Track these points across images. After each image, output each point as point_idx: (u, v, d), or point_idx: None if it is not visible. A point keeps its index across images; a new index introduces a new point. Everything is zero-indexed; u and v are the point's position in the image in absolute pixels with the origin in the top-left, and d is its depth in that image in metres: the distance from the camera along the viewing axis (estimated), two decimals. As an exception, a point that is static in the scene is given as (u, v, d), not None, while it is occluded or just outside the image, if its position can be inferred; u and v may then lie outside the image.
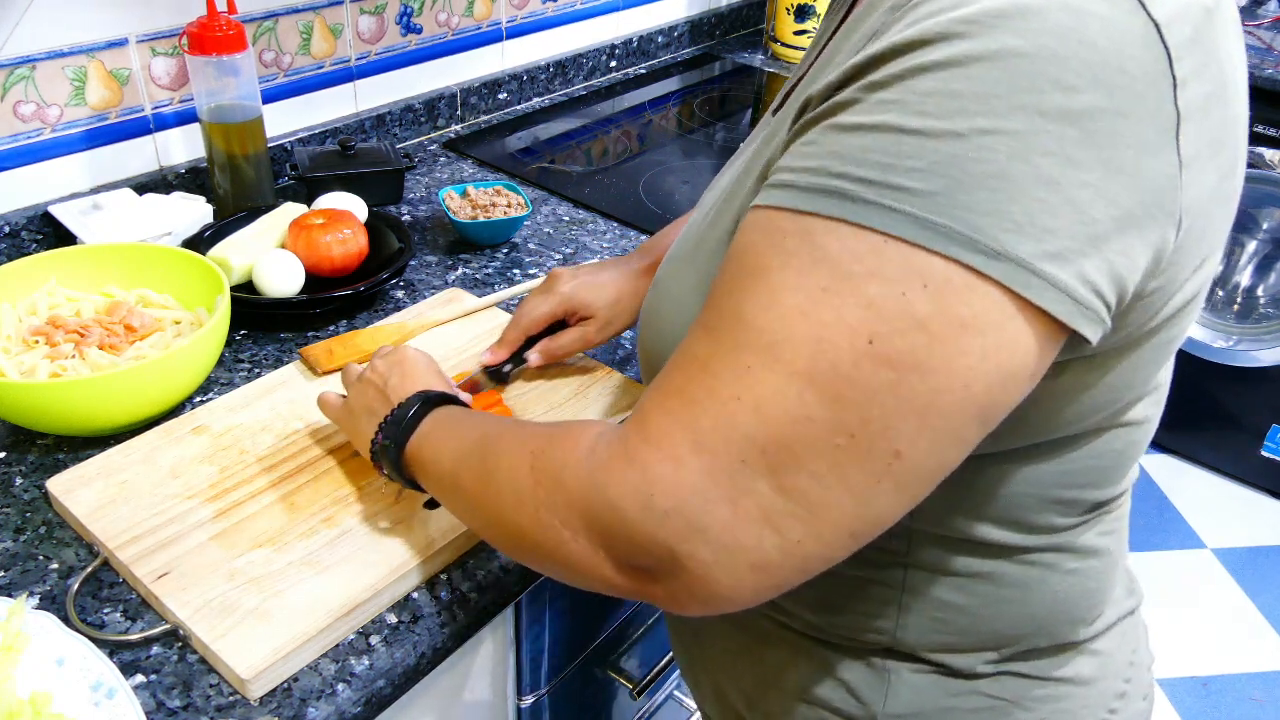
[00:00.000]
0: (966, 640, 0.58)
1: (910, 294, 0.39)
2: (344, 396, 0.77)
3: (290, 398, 0.86)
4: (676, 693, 1.12)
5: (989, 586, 0.56)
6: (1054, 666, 0.60)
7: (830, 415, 0.41)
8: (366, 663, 0.66)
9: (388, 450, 0.66)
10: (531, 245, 1.17)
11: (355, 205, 1.08)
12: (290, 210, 1.06)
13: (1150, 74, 0.39)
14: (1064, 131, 0.38)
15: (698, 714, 1.08)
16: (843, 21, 0.59)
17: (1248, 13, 2.22)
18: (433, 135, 1.46)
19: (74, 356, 0.83)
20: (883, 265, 0.40)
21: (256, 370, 0.92)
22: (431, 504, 0.74)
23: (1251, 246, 2.19)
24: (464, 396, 0.71)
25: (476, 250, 1.15)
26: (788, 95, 0.60)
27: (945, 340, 0.39)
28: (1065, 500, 0.55)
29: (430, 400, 0.67)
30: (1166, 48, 0.40)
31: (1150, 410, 0.55)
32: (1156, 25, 0.40)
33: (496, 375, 0.88)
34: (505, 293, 1.03)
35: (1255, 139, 1.94)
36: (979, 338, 0.40)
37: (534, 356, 0.87)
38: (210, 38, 1.03)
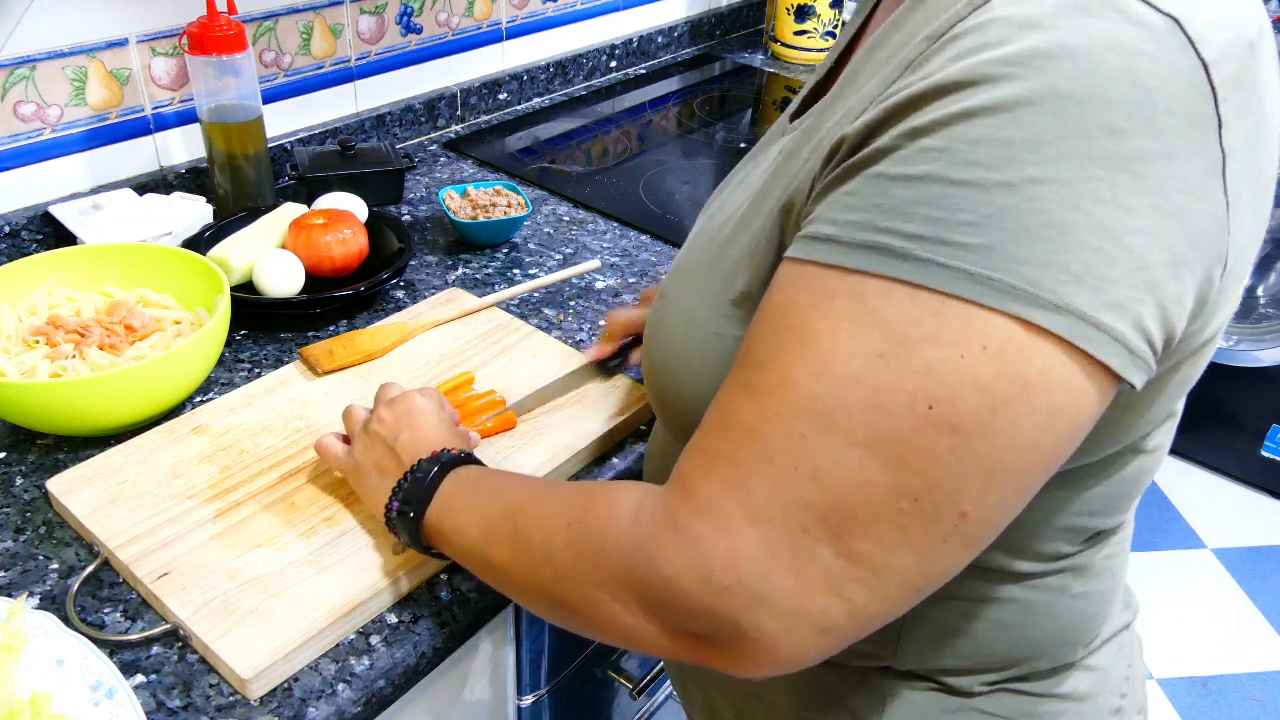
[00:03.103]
0: (966, 663, 0.58)
1: (970, 356, 0.38)
2: (345, 439, 0.74)
3: (290, 398, 0.86)
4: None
5: (994, 611, 0.56)
6: (1052, 685, 0.60)
7: (893, 481, 0.40)
8: (366, 663, 0.66)
9: (405, 519, 0.63)
10: (531, 245, 1.17)
11: (355, 205, 1.08)
12: (290, 210, 1.06)
13: (1196, 115, 0.39)
14: (1116, 177, 0.38)
15: (698, 714, 1.08)
16: (865, 28, 0.59)
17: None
18: (433, 135, 1.46)
19: (74, 356, 0.83)
20: (940, 328, 0.39)
21: (256, 370, 0.92)
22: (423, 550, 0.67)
23: (1251, 246, 2.19)
24: (474, 437, 0.69)
25: (476, 250, 1.15)
26: (805, 104, 0.58)
27: (1010, 402, 0.39)
28: (1075, 528, 0.54)
29: (447, 464, 0.63)
30: (1214, 87, 0.39)
31: (1163, 438, 0.55)
32: (1205, 65, 0.39)
33: (603, 370, 0.92)
34: (505, 293, 1.03)
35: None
36: (1044, 395, 0.39)
37: (636, 355, 0.90)
38: (210, 38, 1.03)
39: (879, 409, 0.39)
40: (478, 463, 0.65)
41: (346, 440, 0.74)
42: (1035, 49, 0.38)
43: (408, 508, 0.63)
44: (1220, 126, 0.39)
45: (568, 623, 0.53)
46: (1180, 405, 0.55)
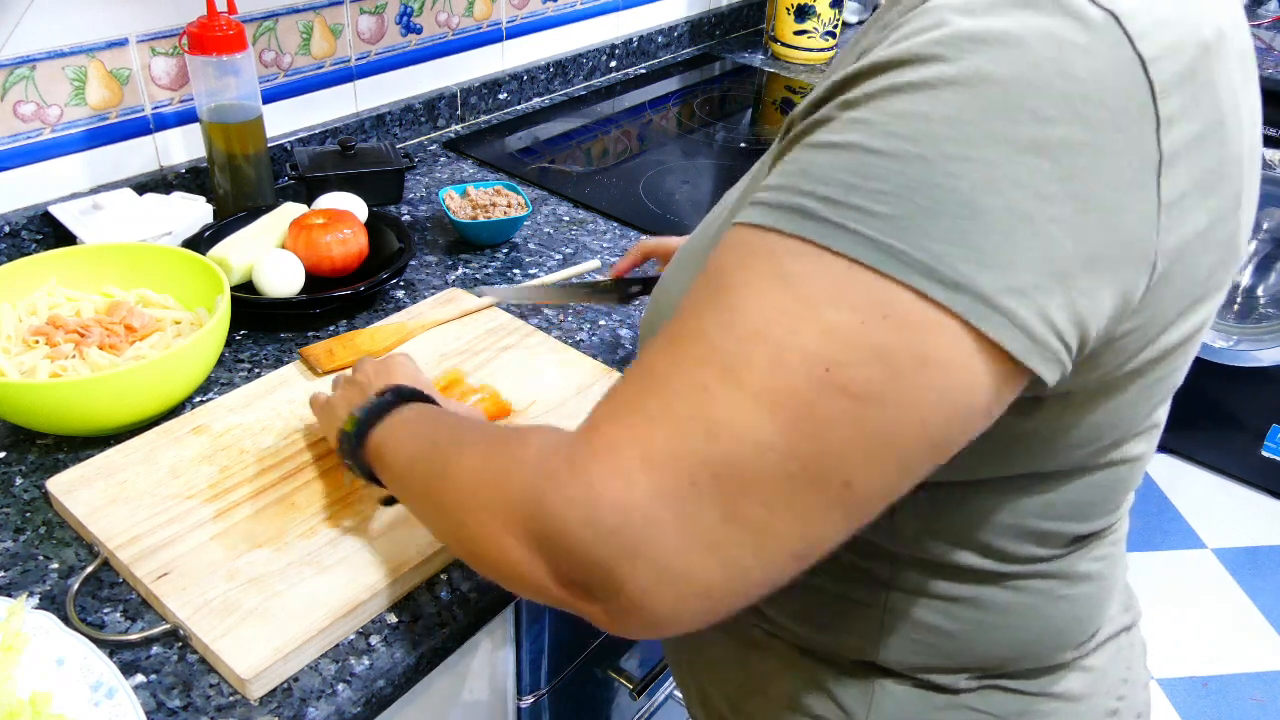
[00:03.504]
0: (950, 662, 0.58)
1: (870, 324, 0.38)
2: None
3: (290, 398, 0.86)
4: (676, 693, 1.12)
5: (973, 611, 0.56)
6: (1045, 684, 0.60)
7: (785, 442, 0.39)
8: (366, 663, 0.66)
9: (349, 439, 0.65)
10: (531, 245, 1.17)
11: (355, 205, 1.08)
12: (290, 210, 1.06)
13: (1131, 110, 0.38)
14: (1037, 164, 0.37)
15: (697, 714, 1.08)
16: None
17: (1248, 13, 2.22)
18: (433, 135, 1.46)
19: (74, 356, 0.83)
20: (842, 291, 0.39)
21: (256, 370, 0.92)
22: (389, 501, 0.74)
23: (1252, 246, 2.19)
24: (443, 400, 0.70)
25: (476, 250, 1.15)
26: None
27: (905, 375, 0.38)
28: (1045, 532, 0.54)
29: (402, 394, 0.65)
30: (1151, 84, 0.39)
31: (1142, 448, 0.54)
32: (1142, 60, 0.38)
33: (623, 292, 0.91)
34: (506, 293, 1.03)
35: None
36: (940, 374, 0.38)
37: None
38: (210, 38, 1.03)
39: (779, 365, 0.39)
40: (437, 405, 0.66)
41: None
42: (968, 33, 0.38)
43: (352, 429, 0.65)
44: (1159, 125, 0.39)
45: (468, 557, 0.52)
46: (1162, 415, 0.55)
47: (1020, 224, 0.37)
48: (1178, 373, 0.49)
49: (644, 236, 0.90)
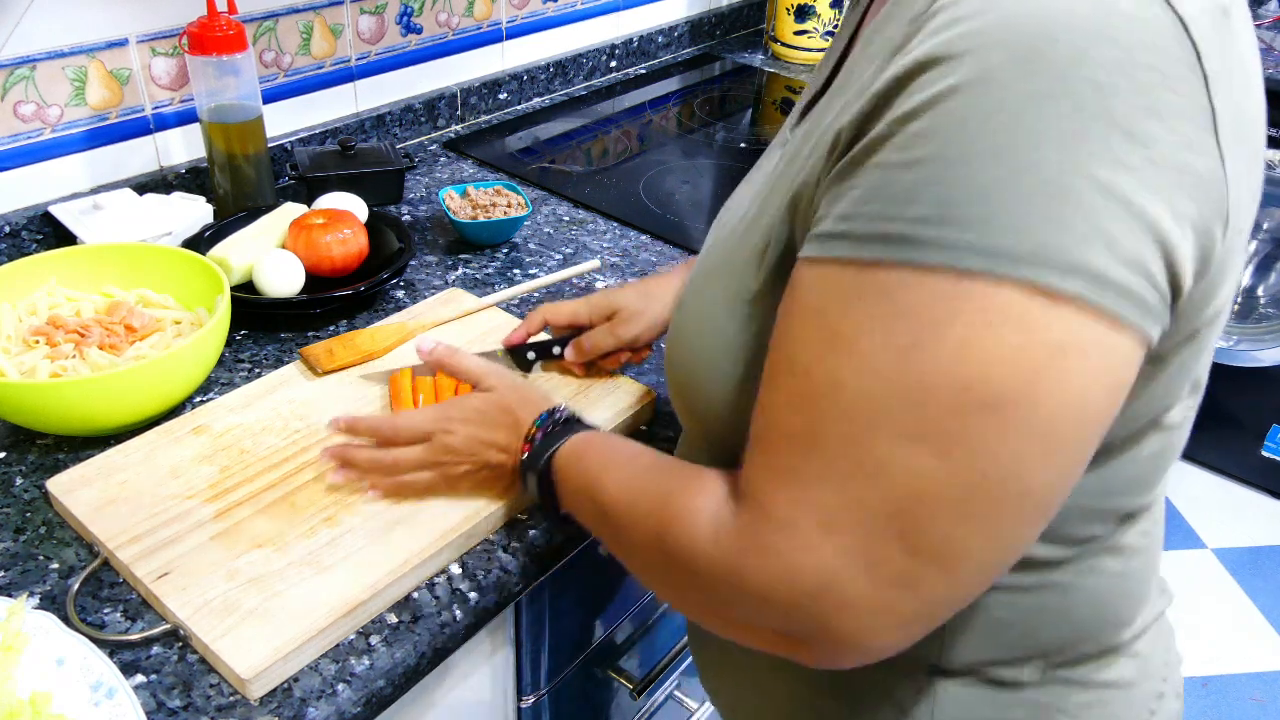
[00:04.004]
0: (1014, 653, 0.57)
1: (995, 329, 0.38)
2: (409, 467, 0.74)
3: (290, 398, 0.86)
4: (677, 693, 1.12)
5: (1035, 598, 0.56)
6: (1097, 671, 0.60)
7: (948, 470, 0.40)
8: (366, 663, 0.66)
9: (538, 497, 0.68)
10: (531, 245, 1.17)
11: (355, 205, 1.08)
12: (290, 210, 1.06)
13: (1181, 70, 0.39)
14: (1107, 135, 0.38)
15: (698, 714, 1.08)
16: (859, 28, 0.59)
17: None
18: (433, 135, 1.46)
19: (74, 356, 0.83)
20: (960, 306, 0.39)
21: (256, 370, 0.92)
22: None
23: (1252, 246, 2.19)
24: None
25: (476, 250, 1.15)
26: (808, 107, 0.59)
27: (1046, 369, 0.39)
28: (1105, 510, 0.54)
29: (550, 442, 0.67)
30: (1195, 43, 0.39)
31: (1186, 413, 0.55)
32: (1183, 21, 0.39)
33: (520, 361, 0.89)
34: (505, 293, 1.03)
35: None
36: (1079, 357, 0.39)
37: (566, 351, 0.88)
38: (210, 38, 1.03)
39: (923, 398, 0.40)
40: (575, 422, 0.69)
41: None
42: (1009, 16, 0.38)
43: (532, 478, 0.67)
44: (1207, 81, 0.39)
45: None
46: (1204, 377, 0.55)
47: (1109, 197, 0.38)
48: (1217, 336, 0.50)
49: (543, 303, 0.88)
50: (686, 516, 0.51)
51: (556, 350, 0.88)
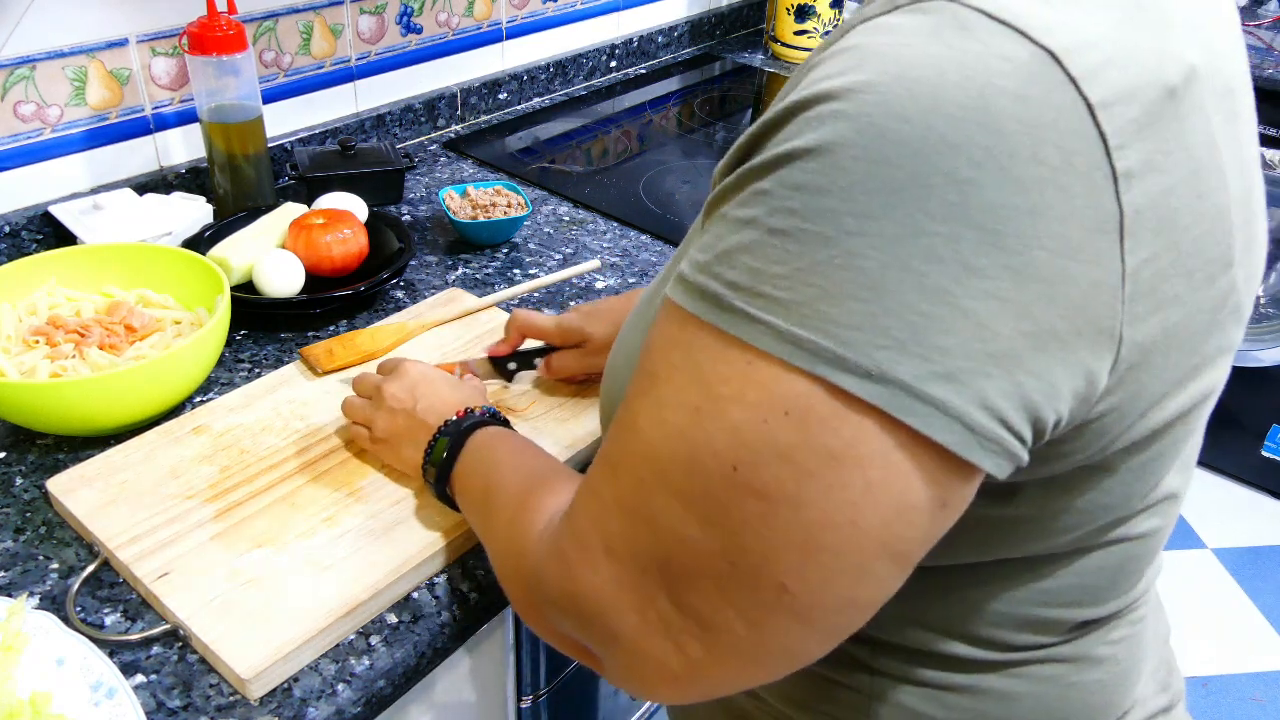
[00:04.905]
0: None
1: (772, 421, 0.35)
2: (359, 425, 0.79)
3: (291, 397, 0.86)
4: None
5: (969, 700, 0.51)
6: None
7: (709, 540, 0.38)
8: (366, 663, 0.66)
9: (433, 484, 0.70)
10: (531, 245, 1.17)
11: (355, 205, 1.08)
12: (290, 210, 1.06)
13: (1077, 165, 0.34)
14: (958, 233, 0.33)
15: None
16: None
17: (1248, 13, 2.22)
18: (433, 135, 1.46)
19: (74, 356, 0.83)
20: (745, 388, 0.36)
21: (256, 370, 0.92)
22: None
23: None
24: (477, 383, 0.75)
25: (476, 250, 1.15)
26: None
27: (814, 474, 0.35)
28: (1044, 619, 0.50)
29: (465, 430, 0.69)
30: (1103, 134, 0.34)
31: (1153, 523, 0.50)
32: (1089, 106, 0.34)
33: (502, 370, 0.89)
34: (505, 292, 1.03)
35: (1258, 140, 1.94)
36: (857, 470, 0.35)
37: (539, 366, 0.89)
38: (210, 38, 1.03)
39: (694, 465, 0.38)
40: (493, 417, 0.71)
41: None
42: (870, 81, 0.34)
43: (431, 469, 0.69)
44: (1116, 179, 0.34)
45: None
46: (1177, 485, 0.50)
47: (942, 302, 0.33)
48: (1183, 443, 0.45)
49: (516, 310, 0.88)
50: (532, 511, 0.52)
51: (537, 362, 0.89)
